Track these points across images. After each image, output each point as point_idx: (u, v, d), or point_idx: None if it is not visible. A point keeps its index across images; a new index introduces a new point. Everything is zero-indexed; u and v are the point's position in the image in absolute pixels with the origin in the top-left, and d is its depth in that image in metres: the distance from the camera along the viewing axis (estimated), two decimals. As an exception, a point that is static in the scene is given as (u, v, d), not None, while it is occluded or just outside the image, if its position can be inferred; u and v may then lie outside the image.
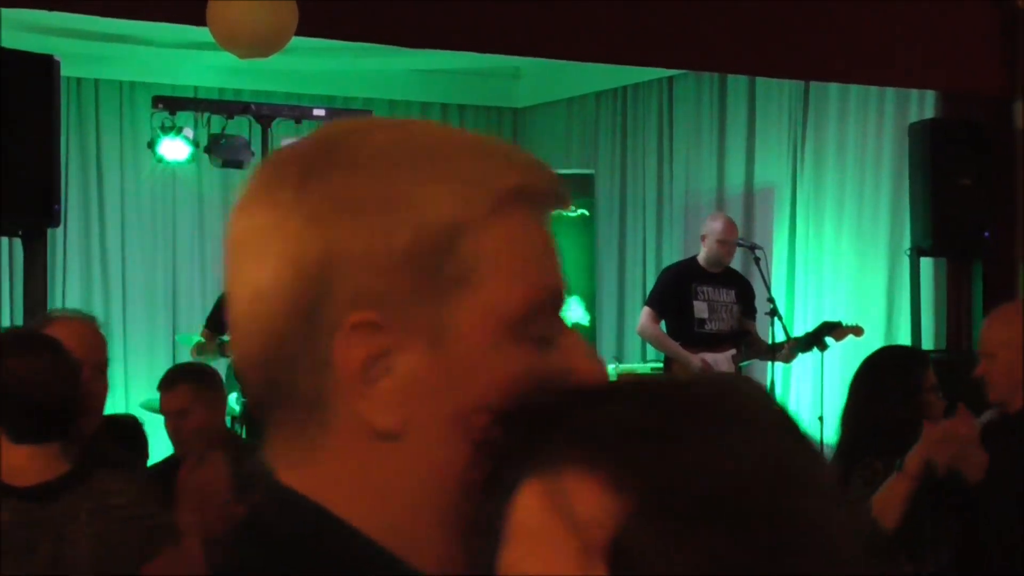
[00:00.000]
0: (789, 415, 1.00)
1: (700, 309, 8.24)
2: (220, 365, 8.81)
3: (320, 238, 1.02)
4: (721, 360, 8.29)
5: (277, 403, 1.05)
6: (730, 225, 8.41)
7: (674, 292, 8.31)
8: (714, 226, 8.36)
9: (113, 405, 10.03)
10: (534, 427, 0.96)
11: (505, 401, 1.00)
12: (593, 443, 0.93)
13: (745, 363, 8.49)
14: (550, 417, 0.96)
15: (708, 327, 8.24)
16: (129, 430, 4.71)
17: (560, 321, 1.08)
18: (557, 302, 1.08)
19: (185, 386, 4.64)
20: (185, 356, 8.33)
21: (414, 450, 1.01)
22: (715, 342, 8.21)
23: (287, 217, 1.05)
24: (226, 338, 7.67)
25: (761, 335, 8.59)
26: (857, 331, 8.07)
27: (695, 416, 0.95)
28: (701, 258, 8.35)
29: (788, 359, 8.27)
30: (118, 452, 3.84)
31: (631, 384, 0.99)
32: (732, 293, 8.31)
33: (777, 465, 0.94)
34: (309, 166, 1.05)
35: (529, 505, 0.94)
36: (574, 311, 9.60)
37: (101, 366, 3.59)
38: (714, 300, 8.28)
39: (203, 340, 7.76)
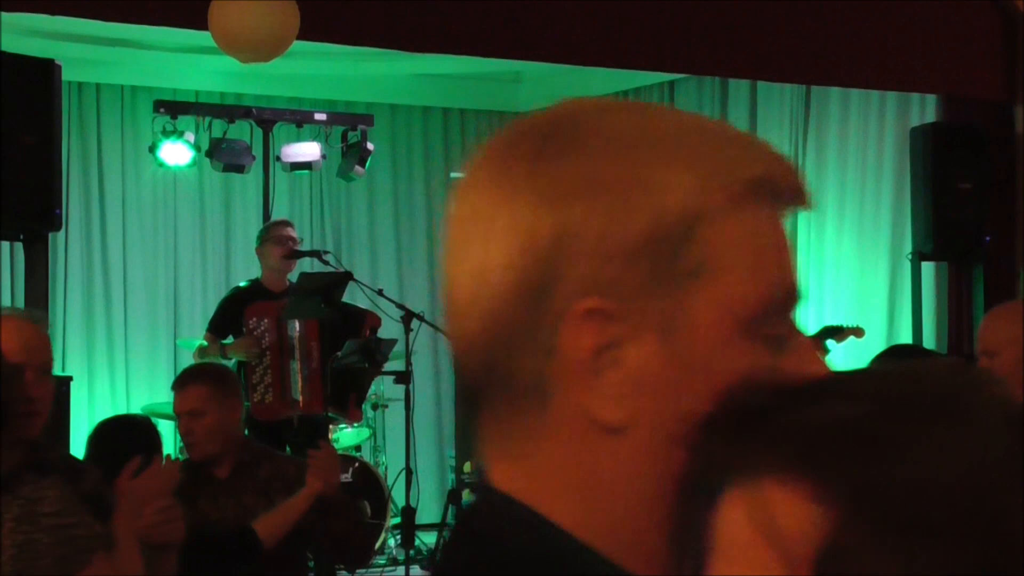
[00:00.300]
0: None
1: None
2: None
3: (553, 218, 0.97)
4: None
5: (494, 389, 1.00)
6: None
7: None
8: None
9: (115, 409, 10.05)
10: (740, 430, 0.92)
11: (718, 401, 0.96)
12: (796, 449, 0.88)
13: None
14: (757, 419, 0.91)
15: None
16: (143, 431, 4.67)
17: (792, 322, 1.05)
18: (791, 302, 1.05)
19: (199, 386, 4.57)
20: (186, 360, 8.32)
21: (636, 446, 0.97)
22: None
23: (519, 194, 1.00)
24: (229, 341, 7.67)
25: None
26: (858, 332, 8.07)
27: (914, 413, 0.88)
28: None
29: None
30: (69, 458, 3.71)
31: (848, 379, 0.96)
32: None
33: (1003, 471, 0.86)
34: (544, 143, 1.01)
35: (732, 517, 0.90)
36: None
37: (45, 367, 3.45)
38: None
39: (206, 344, 7.76)
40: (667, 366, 0.97)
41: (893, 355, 4.40)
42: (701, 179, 0.99)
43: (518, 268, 0.98)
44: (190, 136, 9.24)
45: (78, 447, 8.53)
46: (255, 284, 7.84)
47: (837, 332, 8.07)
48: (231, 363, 8.03)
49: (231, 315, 7.69)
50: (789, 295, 1.04)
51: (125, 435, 4.51)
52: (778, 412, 0.91)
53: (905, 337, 8.35)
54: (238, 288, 7.97)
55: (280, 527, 4.44)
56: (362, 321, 7.53)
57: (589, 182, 0.98)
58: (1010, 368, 3.83)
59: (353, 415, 7.70)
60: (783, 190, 1.07)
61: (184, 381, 4.66)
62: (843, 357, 8.66)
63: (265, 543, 4.37)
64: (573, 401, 0.97)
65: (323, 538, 4.63)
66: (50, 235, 6.60)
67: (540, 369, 0.97)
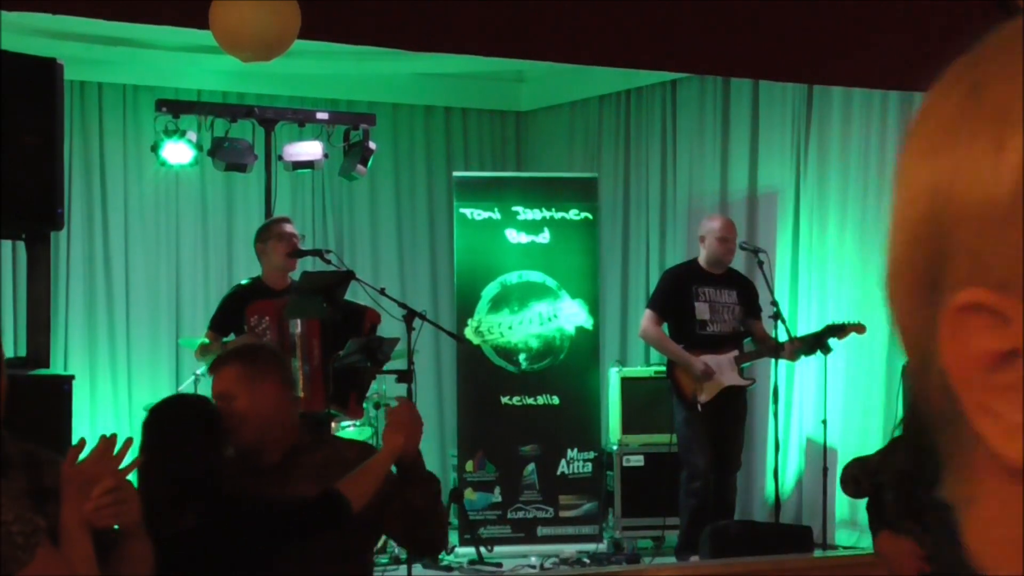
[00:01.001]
0: None
1: (701, 311, 8.25)
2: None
3: (928, 168, 0.73)
4: (723, 362, 8.29)
5: (927, 407, 0.76)
6: (728, 223, 8.42)
7: (675, 294, 8.31)
8: (712, 225, 8.37)
9: (116, 408, 10.07)
10: None
11: None
12: None
13: (747, 364, 8.50)
14: None
15: (709, 329, 8.24)
16: (203, 412, 4.34)
17: None
18: None
19: (230, 367, 4.24)
20: (188, 359, 8.33)
21: None
22: (716, 344, 8.21)
23: (911, 138, 0.75)
24: (231, 339, 7.66)
25: (766, 336, 8.59)
26: (859, 329, 8.07)
27: None
28: (702, 259, 8.35)
29: (793, 357, 8.27)
30: (31, 452, 3.42)
31: None
32: (734, 294, 8.32)
33: None
34: (960, 68, 0.76)
35: None
36: (577, 315, 9.60)
37: None
38: (715, 301, 8.29)
39: (207, 342, 7.75)
40: None
41: None
42: None
43: (903, 233, 0.75)
44: (192, 135, 9.24)
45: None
46: (256, 282, 7.84)
47: (839, 330, 8.08)
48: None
49: (233, 313, 7.68)
50: None
51: (181, 416, 4.26)
52: None
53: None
54: (239, 286, 7.96)
55: (365, 488, 3.96)
56: (362, 317, 7.52)
57: (974, 117, 0.72)
58: None
59: (354, 412, 7.70)
60: None
61: (217, 363, 4.34)
62: (847, 355, 8.67)
63: (353, 505, 3.92)
64: (974, 430, 0.72)
65: (403, 514, 4.11)
66: (52, 234, 6.60)
67: (942, 384, 0.73)
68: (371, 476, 4.00)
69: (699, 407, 8.18)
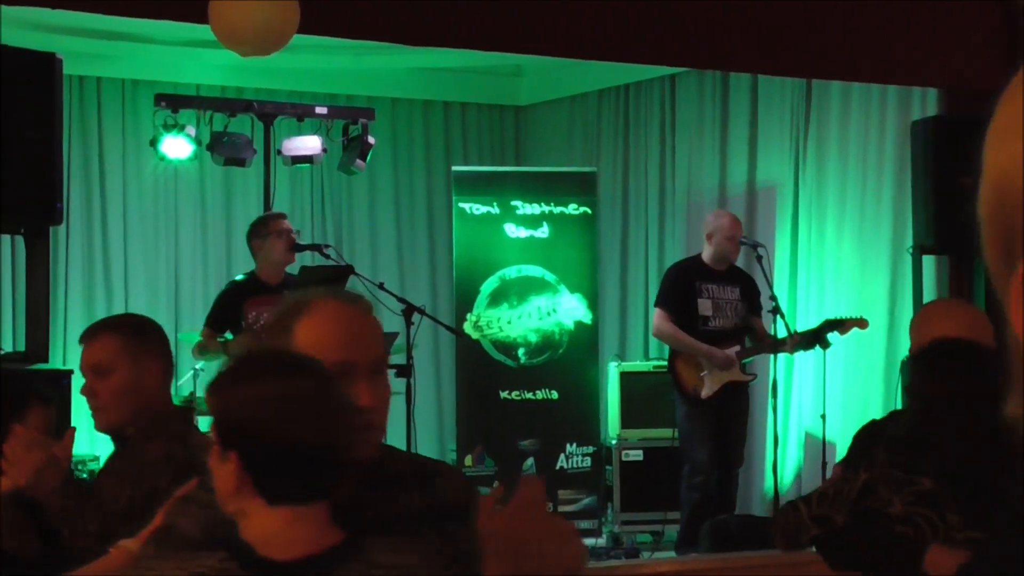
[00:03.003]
0: None
1: (704, 307, 8.25)
2: (224, 361, 8.82)
3: (1003, 152, 0.78)
4: None
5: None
6: (736, 222, 8.43)
7: (679, 289, 8.31)
8: (721, 223, 8.36)
9: (115, 403, 10.06)
10: None
11: None
12: None
13: (748, 360, 8.50)
14: None
15: (712, 324, 8.24)
16: None
17: None
18: None
19: (107, 337, 3.94)
20: (187, 354, 8.32)
21: None
22: (719, 339, 8.21)
23: (993, 119, 0.80)
24: (229, 336, 7.66)
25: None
26: (861, 323, 8.07)
27: None
28: (706, 256, 8.34)
29: (792, 351, 8.27)
30: None
31: None
32: (736, 291, 8.32)
33: None
34: None
35: None
36: (576, 309, 9.60)
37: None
38: (719, 298, 8.29)
39: (203, 339, 7.75)
40: None
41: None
42: None
43: (986, 208, 0.79)
44: (191, 130, 9.24)
45: (78, 441, 8.53)
46: (252, 277, 7.83)
47: (839, 324, 8.07)
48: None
49: (229, 309, 7.67)
50: None
51: None
52: None
53: (905, 331, 8.34)
54: (235, 282, 7.95)
55: None
56: None
57: None
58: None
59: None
60: None
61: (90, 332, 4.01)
62: (846, 349, 8.66)
63: None
64: None
65: None
66: (51, 229, 6.60)
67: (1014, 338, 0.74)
68: None
69: (700, 401, 8.18)
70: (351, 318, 2.50)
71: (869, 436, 4.15)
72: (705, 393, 8.17)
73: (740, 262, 8.67)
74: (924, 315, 4.08)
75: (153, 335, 3.99)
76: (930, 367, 3.69)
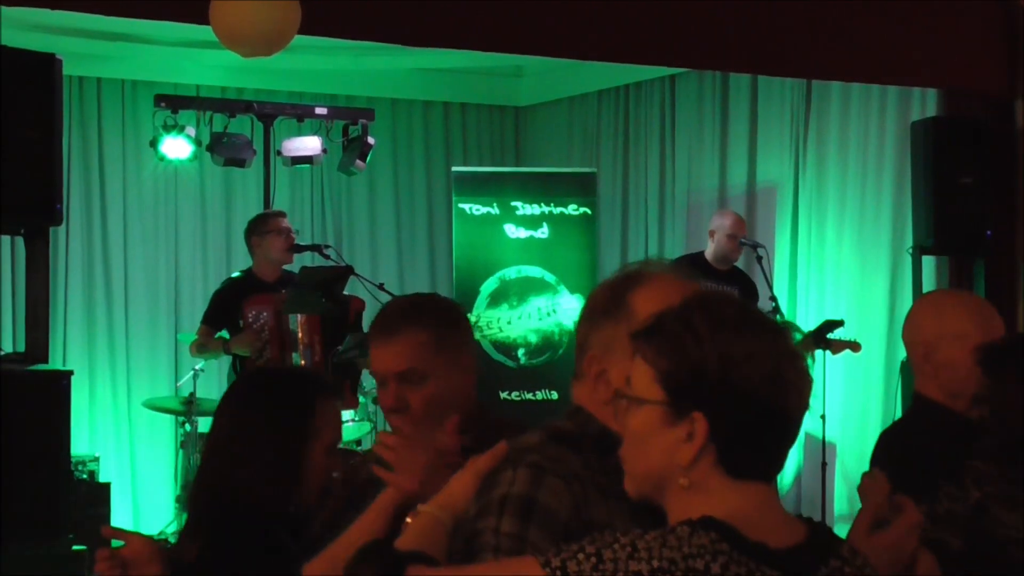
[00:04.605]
0: None
1: None
2: (224, 363, 8.81)
3: None
4: None
5: None
6: (739, 220, 8.42)
7: None
8: (724, 222, 8.36)
9: (115, 403, 10.05)
10: None
11: None
12: None
13: None
14: None
15: None
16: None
17: None
18: None
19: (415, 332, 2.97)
20: (187, 355, 8.32)
21: None
22: None
23: None
24: (225, 334, 7.66)
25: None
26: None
27: None
28: (709, 254, 8.34)
29: None
30: None
31: None
32: (736, 292, 8.32)
33: None
34: None
35: None
36: (576, 309, 9.60)
37: None
38: None
39: (199, 337, 7.75)
40: None
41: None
42: None
43: None
44: (191, 130, 9.24)
45: (78, 441, 8.54)
46: (248, 275, 7.82)
47: (838, 324, 8.04)
48: (229, 357, 8.03)
49: (226, 307, 7.67)
50: None
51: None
52: None
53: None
54: (231, 280, 7.94)
55: None
56: (346, 308, 7.53)
57: None
58: (946, 361, 3.40)
59: (350, 402, 7.70)
60: None
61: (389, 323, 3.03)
62: (845, 355, 8.66)
63: None
64: None
65: None
66: (51, 229, 6.59)
67: None
68: None
69: None
70: (686, 290, 2.28)
71: (898, 441, 3.66)
72: None
73: (740, 262, 8.67)
74: (934, 308, 3.53)
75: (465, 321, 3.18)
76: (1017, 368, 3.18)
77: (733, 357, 1.93)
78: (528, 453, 2.27)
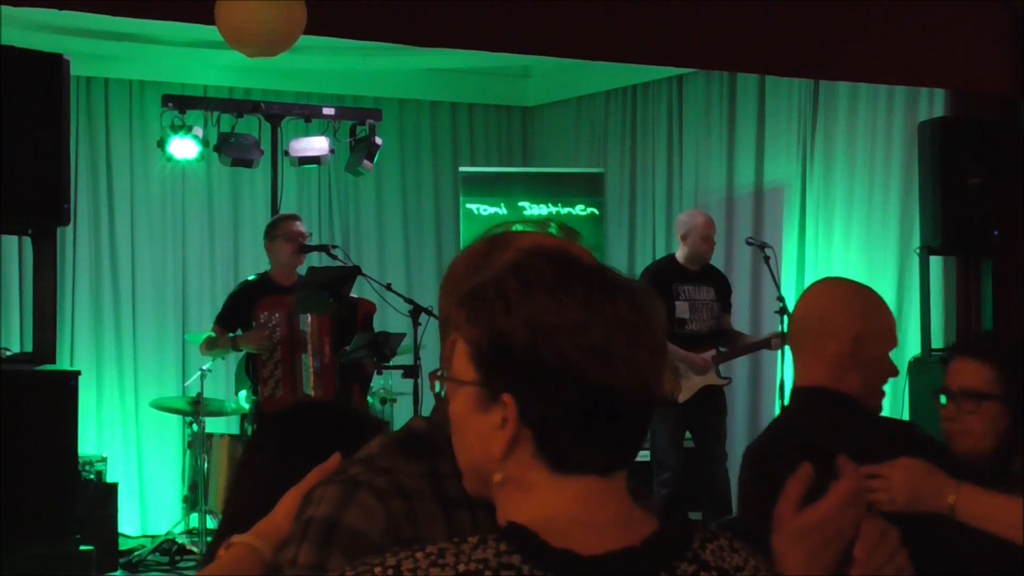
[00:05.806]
0: None
1: (682, 309, 8.19)
2: (231, 363, 8.83)
3: None
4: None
5: None
6: (710, 221, 8.39)
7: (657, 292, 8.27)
8: (696, 222, 8.30)
9: (123, 404, 10.07)
10: None
11: None
12: None
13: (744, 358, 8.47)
14: None
15: (689, 327, 8.19)
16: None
17: None
18: None
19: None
20: (195, 354, 8.33)
21: None
22: (696, 342, 8.16)
23: None
24: (239, 333, 7.67)
25: (765, 333, 8.57)
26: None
27: None
28: (681, 256, 8.29)
29: (777, 349, 8.20)
30: None
31: None
32: (711, 290, 8.29)
33: None
34: None
35: None
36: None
37: None
38: (695, 299, 8.25)
39: (214, 335, 7.76)
40: None
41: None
42: None
43: None
44: (198, 131, 9.24)
45: (86, 441, 8.55)
46: (264, 278, 7.84)
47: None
48: (240, 355, 8.04)
49: (240, 309, 7.69)
50: None
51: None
52: None
53: (913, 331, 8.35)
54: (247, 282, 7.97)
55: None
56: (355, 310, 7.54)
57: None
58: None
59: (359, 404, 7.71)
60: None
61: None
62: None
63: None
64: None
65: None
66: (58, 230, 6.61)
67: None
68: None
69: (674, 403, 8.12)
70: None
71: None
72: (682, 397, 8.13)
73: (747, 263, 8.66)
74: (861, 300, 3.25)
75: None
76: None
77: (544, 326, 1.56)
78: (353, 464, 1.92)
